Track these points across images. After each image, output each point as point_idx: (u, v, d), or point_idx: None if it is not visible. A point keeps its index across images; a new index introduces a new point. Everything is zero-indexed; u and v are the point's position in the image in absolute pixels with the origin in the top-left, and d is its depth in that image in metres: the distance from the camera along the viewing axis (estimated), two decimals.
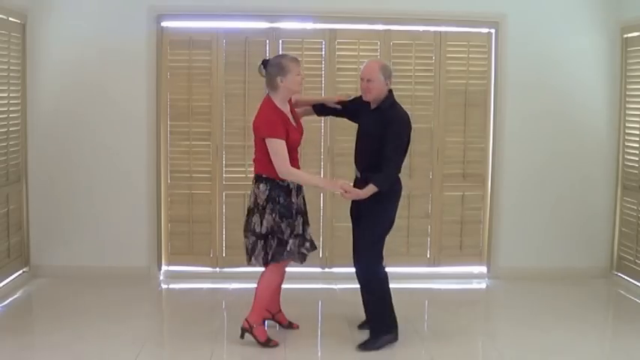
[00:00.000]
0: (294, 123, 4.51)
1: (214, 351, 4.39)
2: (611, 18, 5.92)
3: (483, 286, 6.10)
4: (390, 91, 4.51)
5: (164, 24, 5.87)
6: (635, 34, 5.75)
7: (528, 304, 5.46)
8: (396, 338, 4.55)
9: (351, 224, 4.73)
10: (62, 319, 4.86)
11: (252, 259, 4.50)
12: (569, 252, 6.09)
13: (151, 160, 5.89)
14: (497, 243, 6.10)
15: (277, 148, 4.33)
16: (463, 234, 6.14)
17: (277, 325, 4.81)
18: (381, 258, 4.55)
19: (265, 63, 4.50)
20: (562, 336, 4.72)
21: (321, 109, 4.91)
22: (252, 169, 4.52)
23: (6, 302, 5.23)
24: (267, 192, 4.40)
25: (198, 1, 5.81)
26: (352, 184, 4.57)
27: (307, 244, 4.55)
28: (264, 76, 4.49)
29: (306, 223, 4.60)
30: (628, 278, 5.85)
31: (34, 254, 5.85)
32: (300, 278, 5.93)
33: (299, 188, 4.55)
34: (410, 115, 4.53)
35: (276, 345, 4.49)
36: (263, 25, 5.93)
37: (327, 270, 6.02)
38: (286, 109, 4.51)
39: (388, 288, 4.54)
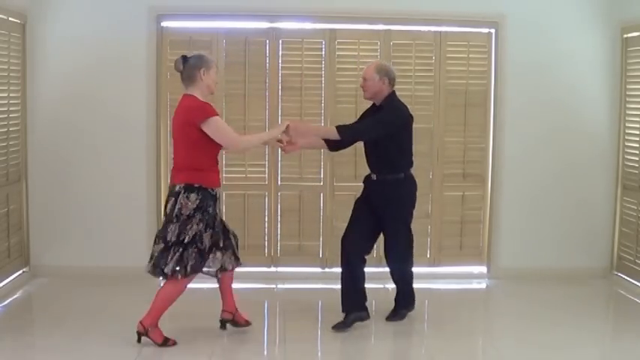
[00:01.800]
0: None
1: (214, 351, 4.39)
2: (611, 18, 5.92)
3: (483, 286, 6.10)
4: (393, 92, 4.72)
5: (164, 24, 5.87)
6: (635, 34, 5.75)
7: (528, 304, 5.46)
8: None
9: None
10: (62, 319, 4.85)
11: (158, 268, 4.33)
12: (569, 252, 6.09)
13: (150, 160, 5.88)
14: (497, 243, 6.10)
15: (220, 125, 4.23)
16: (463, 234, 6.14)
17: (236, 325, 4.68)
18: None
19: (185, 58, 4.37)
20: (562, 336, 4.72)
21: (333, 145, 4.88)
22: (173, 178, 4.32)
23: (6, 302, 5.23)
24: (197, 201, 4.24)
25: (198, 1, 5.81)
26: (364, 186, 4.87)
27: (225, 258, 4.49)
28: (183, 70, 4.35)
29: (226, 233, 4.51)
30: (628, 278, 5.85)
31: (34, 254, 5.85)
32: (300, 278, 5.95)
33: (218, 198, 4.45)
34: (411, 113, 4.72)
35: (174, 344, 4.40)
36: (263, 25, 5.93)
37: (327, 270, 6.02)
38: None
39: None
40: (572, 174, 6.07)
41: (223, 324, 4.70)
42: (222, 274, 4.57)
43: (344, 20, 5.90)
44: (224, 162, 5.93)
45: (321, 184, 6.03)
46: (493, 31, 5.99)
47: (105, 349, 4.34)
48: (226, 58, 5.88)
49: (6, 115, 5.37)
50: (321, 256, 6.04)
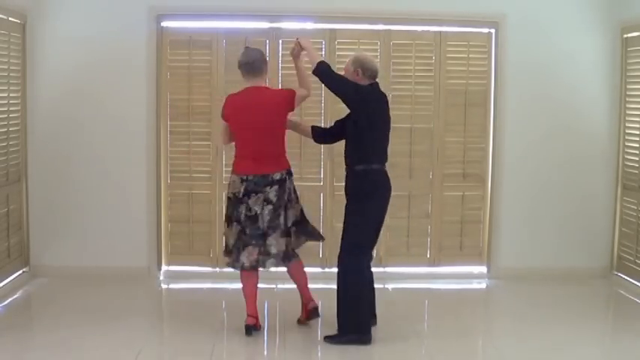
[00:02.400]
0: None
1: (214, 351, 4.38)
2: (611, 18, 5.92)
3: (483, 286, 6.10)
4: (372, 84, 4.54)
5: (164, 24, 5.87)
6: (635, 34, 5.75)
7: (528, 304, 5.46)
8: (363, 341, 4.47)
9: None
10: (62, 319, 4.85)
11: (286, 254, 4.62)
12: (569, 252, 6.09)
13: (150, 160, 5.89)
14: (497, 243, 6.10)
15: (301, 93, 4.66)
16: (463, 234, 6.14)
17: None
18: (362, 259, 4.53)
19: (253, 48, 4.69)
20: (562, 336, 4.72)
21: (320, 134, 4.94)
22: (268, 167, 4.53)
23: (6, 302, 5.23)
24: (293, 182, 4.68)
25: (198, 1, 5.81)
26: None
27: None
28: (253, 62, 4.57)
29: None
30: (628, 278, 5.85)
31: (34, 254, 5.85)
32: None
33: None
34: (381, 104, 4.54)
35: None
36: (263, 25, 5.93)
37: (327, 270, 6.02)
38: None
39: (367, 291, 4.54)
40: (572, 174, 6.07)
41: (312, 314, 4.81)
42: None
43: (344, 20, 5.90)
44: (224, 162, 5.94)
45: (321, 184, 6.03)
46: (493, 31, 5.99)
47: (105, 349, 4.34)
48: (226, 58, 5.88)
49: (6, 115, 5.37)
50: (321, 256, 6.03)
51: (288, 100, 4.58)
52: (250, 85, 4.62)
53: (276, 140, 4.59)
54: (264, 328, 4.92)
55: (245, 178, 4.55)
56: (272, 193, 4.51)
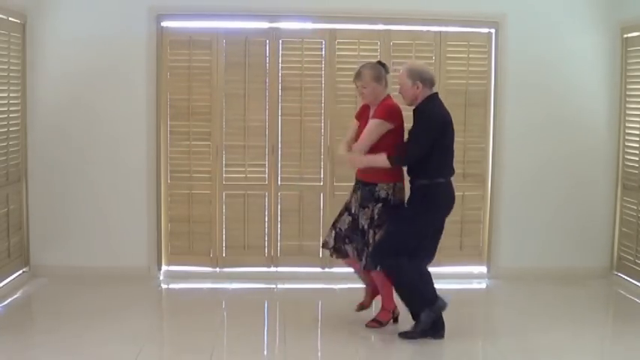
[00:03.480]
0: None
1: (214, 351, 4.38)
2: (611, 18, 5.92)
3: (483, 286, 6.10)
4: (432, 95, 4.52)
5: (164, 24, 5.87)
6: (635, 34, 5.75)
7: (528, 304, 5.46)
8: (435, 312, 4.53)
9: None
10: (62, 319, 4.85)
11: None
12: (569, 252, 6.09)
13: (150, 160, 5.88)
14: (497, 243, 6.10)
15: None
16: (463, 234, 6.13)
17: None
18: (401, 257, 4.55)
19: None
20: (562, 336, 4.72)
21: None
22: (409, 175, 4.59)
23: (6, 302, 5.22)
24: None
25: (198, 1, 5.81)
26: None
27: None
28: (384, 75, 4.65)
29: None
30: (628, 278, 5.85)
31: (34, 254, 5.85)
32: (300, 278, 5.95)
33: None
34: (447, 118, 4.53)
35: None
36: (263, 25, 5.93)
37: (327, 270, 6.02)
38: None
39: (415, 272, 4.55)
40: (572, 174, 6.07)
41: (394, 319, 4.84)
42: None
43: (344, 20, 5.90)
44: (224, 162, 5.94)
45: (321, 184, 6.03)
46: (493, 31, 5.99)
47: (105, 349, 4.33)
48: (226, 58, 5.88)
49: (6, 115, 5.37)
50: (321, 256, 6.03)
51: None
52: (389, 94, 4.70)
53: None
54: (264, 328, 4.93)
55: None
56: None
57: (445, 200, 4.58)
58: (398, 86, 4.63)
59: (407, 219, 4.54)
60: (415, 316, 4.59)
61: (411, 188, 4.59)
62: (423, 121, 4.47)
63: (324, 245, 4.90)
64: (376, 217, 4.57)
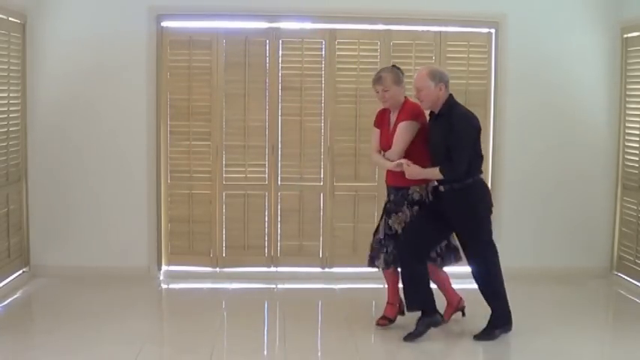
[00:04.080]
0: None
1: (214, 351, 4.38)
2: (611, 18, 5.92)
3: None
4: (451, 95, 4.51)
5: (164, 24, 5.87)
6: (635, 34, 5.75)
7: (528, 304, 5.45)
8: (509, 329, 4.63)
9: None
10: (62, 319, 4.85)
11: None
12: (569, 252, 6.09)
13: (150, 160, 5.88)
14: (497, 243, 6.07)
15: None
16: None
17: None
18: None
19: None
20: (562, 336, 4.72)
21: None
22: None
23: (6, 302, 5.22)
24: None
25: (198, 1, 5.81)
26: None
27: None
28: (402, 78, 4.66)
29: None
30: (628, 278, 5.85)
31: (34, 254, 5.85)
32: (300, 278, 5.95)
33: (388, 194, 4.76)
34: (478, 118, 4.57)
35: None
36: (263, 25, 5.93)
37: (327, 270, 6.02)
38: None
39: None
40: (572, 174, 6.07)
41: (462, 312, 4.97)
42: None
43: (344, 20, 5.90)
44: (224, 162, 5.94)
45: (321, 184, 6.03)
46: (493, 31, 5.99)
47: (105, 349, 4.33)
48: (226, 58, 5.88)
49: (6, 115, 5.37)
50: (321, 256, 6.03)
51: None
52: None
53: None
54: (264, 328, 4.93)
55: None
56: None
57: (487, 193, 4.68)
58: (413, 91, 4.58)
59: (477, 219, 4.60)
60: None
61: (449, 189, 4.50)
62: (464, 125, 4.41)
63: (373, 264, 4.77)
64: (414, 220, 4.60)
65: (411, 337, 4.55)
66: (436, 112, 4.52)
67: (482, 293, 4.70)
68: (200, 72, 5.90)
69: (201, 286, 5.85)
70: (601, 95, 6.02)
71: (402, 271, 4.62)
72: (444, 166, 4.40)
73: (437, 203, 4.60)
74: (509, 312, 4.65)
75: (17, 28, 5.51)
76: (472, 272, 4.72)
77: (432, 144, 4.54)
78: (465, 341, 4.66)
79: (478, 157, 4.54)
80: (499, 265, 4.71)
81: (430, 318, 4.58)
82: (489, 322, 4.64)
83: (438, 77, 4.42)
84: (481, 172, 4.61)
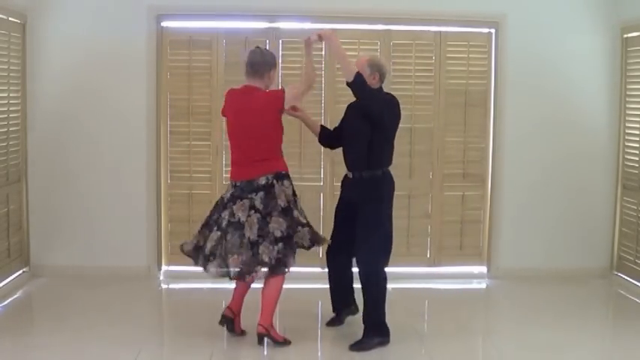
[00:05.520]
0: None
1: (214, 351, 4.38)
2: (611, 18, 5.92)
3: (483, 286, 6.10)
4: (380, 88, 4.52)
5: (164, 24, 5.87)
6: (635, 34, 5.75)
7: (528, 304, 5.46)
8: (384, 343, 4.49)
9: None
10: (62, 319, 4.85)
11: (255, 267, 4.30)
12: (569, 252, 6.09)
13: (150, 160, 5.89)
14: (497, 243, 6.10)
15: (294, 90, 4.42)
16: (463, 234, 6.14)
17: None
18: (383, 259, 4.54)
19: (262, 51, 4.48)
20: (562, 336, 4.72)
21: (325, 138, 4.90)
22: (251, 172, 4.33)
23: (6, 302, 5.23)
24: (291, 186, 4.41)
25: (198, 1, 5.81)
26: (342, 185, 4.76)
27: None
28: (258, 63, 4.42)
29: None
30: (628, 278, 5.85)
31: (34, 254, 5.85)
32: (299, 278, 5.93)
33: None
34: (402, 113, 4.57)
35: (289, 343, 4.46)
36: (263, 25, 5.93)
37: (326, 270, 6.00)
38: None
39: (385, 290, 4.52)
40: (572, 174, 6.07)
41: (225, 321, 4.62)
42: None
43: (344, 20, 5.90)
44: (224, 162, 5.94)
45: (321, 184, 6.04)
46: (493, 31, 5.99)
47: (105, 349, 4.34)
48: (226, 58, 5.88)
49: (6, 115, 5.38)
50: (321, 256, 6.02)
51: (274, 100, 4.37)
52: (247, 84, 4.50)
53: (260, 144, 4.35)
54: None
55: (234, 183, 4.43)
56: (257, 200, 4.30)
57: (393, 186, 4.59)
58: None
59: (374, 216, 4.47)
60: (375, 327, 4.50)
61: (358, 180, 4.52)
62: (376, 104, 4.42)
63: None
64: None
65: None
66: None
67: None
68: (200, 72, 5.90)
69: (201, 286, 5.84)
70: (601, 95, 6.02)
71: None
72: (359, 75, 4.33)
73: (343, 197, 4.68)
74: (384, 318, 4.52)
75: (17, 28, 5.52)
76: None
77: (347, 127, 4.60)
78: (465, 341, 4.65)
79: (391, 148, 4.55)
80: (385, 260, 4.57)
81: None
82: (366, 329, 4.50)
83: (376, 67, 4.48)
84: (390, 162, 4.57)
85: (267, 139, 4.38)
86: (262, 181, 4.33)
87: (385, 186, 4.52)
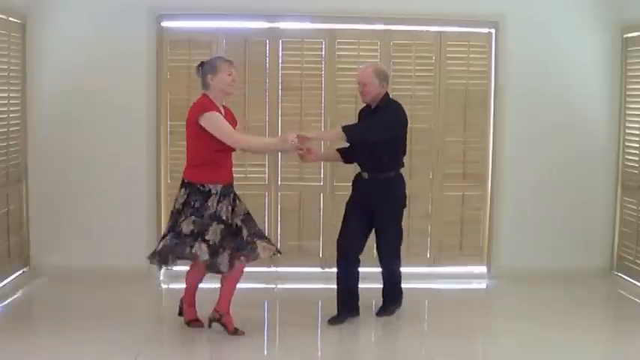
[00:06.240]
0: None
1: (214, 351, 4.38)
2: (611, 18, 5.92)
3: (483, 286, 6.10)
4: (387, 92, 4.82)
5: (164, 24, 5.87)
6: (635, 34, 5.75)
7: (528, 304, 5.46)
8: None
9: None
10: (62, 320, 4.85)
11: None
12: (569, 252, 6.09)
13: (150, 160, 5.89)
14: (497, 243, 6.10)
15: (218, 123, 4.42)
16: (463, 234, 6.14)
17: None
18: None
19: (202, 64, 4.58)
20: (562, 336, 4.72)
21: (348, 158, 5.09)
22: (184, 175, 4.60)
23: (6, 302, 5.22)
24: (184, 196, 4.53)
25: (198, 1, 5.81)
26: (353, 184, 4.97)
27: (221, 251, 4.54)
28: (200, 76, 4.57)
29: (230, 231, 4.57)
30: (628, 278, 5.85)
31: (34, 254, 5.85)
32: (300, 278, 5.95)
33: (224, 195, 4.54)
34: (407, 115, 4.87)
35: (243, 334, 4.55)
36: (263, 25, 5.93)
37: (326, 270, 6.01)
38: (221, 110, 4.56)
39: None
40: (572, 174, 6.07)
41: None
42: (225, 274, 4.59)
43: (344, 20, 5.90)
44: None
45: (321, 184, 6.04)
46: (493, 31, 5.99)
47: (105, 349, 4.33)
48: None
49: (6, 115, 5.38)
50: (321, 256, 6.04)
51: (192, 117, 4.47)
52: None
53: (188, 151, 4.60)
54: (264, 328, 4.92)
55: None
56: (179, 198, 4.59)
57: (405, 187, 4.96)
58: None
59: (397, 218, 4.92)
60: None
61: (371, 183, 4.81)
62: (393, 115, 4.80)
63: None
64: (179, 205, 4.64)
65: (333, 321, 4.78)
66: (373, 106, 4.82)
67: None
68: None
69: (201, 286, 5.83)
70: (601, 95, 6.02)
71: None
72: (348, 126, 4.69)
73: (356, 196, 4.93)
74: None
75: (17, 28, 5.52)
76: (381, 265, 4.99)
77: None
78: (465, 341, 4.66)
79: (402, 152, 4.92)
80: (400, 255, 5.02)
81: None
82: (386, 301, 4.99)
83: (382, 76, 4.77)
84: (402, 165, 4.91)
85: (190, 149, 4.59)
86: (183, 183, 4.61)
87: (400, 186, 4.87)
